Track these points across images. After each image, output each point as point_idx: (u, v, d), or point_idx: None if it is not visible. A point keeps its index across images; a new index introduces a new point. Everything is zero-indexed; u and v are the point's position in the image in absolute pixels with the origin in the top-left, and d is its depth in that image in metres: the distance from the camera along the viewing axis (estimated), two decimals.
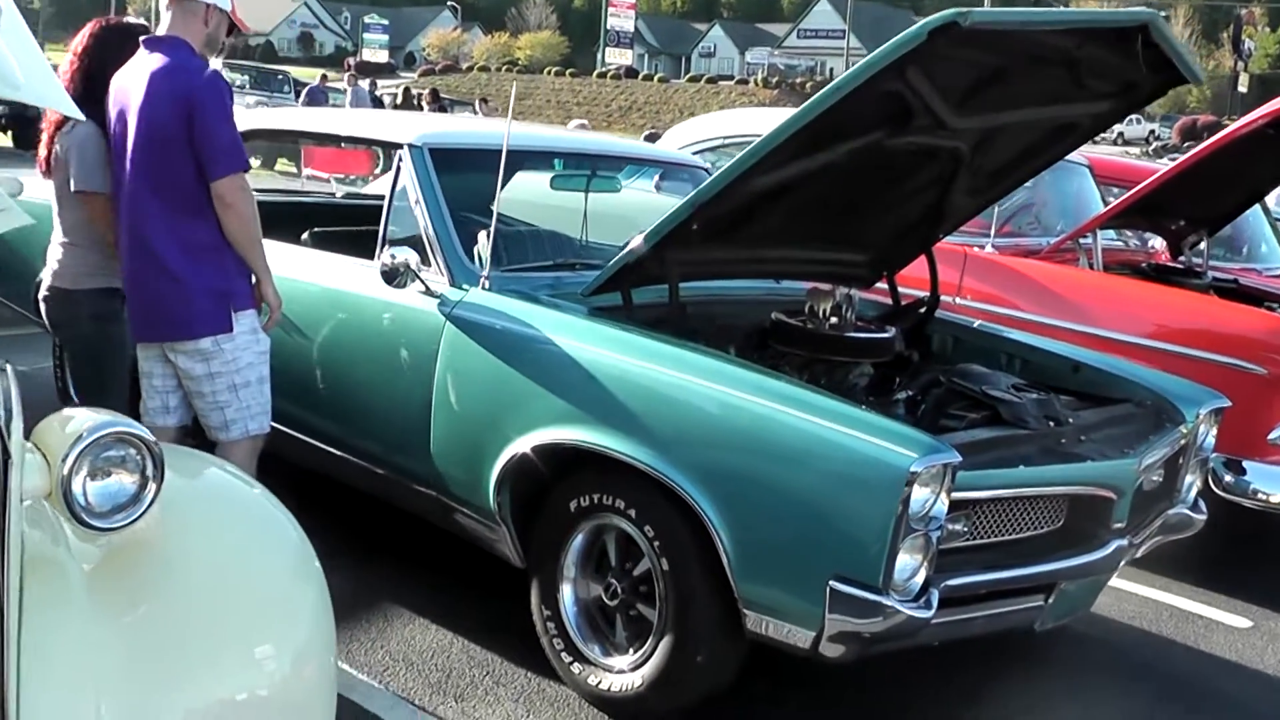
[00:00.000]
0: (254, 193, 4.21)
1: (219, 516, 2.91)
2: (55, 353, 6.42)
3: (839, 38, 79.76)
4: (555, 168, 5.42)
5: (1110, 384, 4.72)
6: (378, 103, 27.16)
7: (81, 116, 3.98)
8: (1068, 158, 6.32)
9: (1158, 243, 7.90)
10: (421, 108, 27.05)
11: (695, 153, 7.28)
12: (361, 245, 4.84)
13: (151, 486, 2.55)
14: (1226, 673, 4.89)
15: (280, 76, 31.68)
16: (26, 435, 2.48)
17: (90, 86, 4.33)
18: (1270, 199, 8.51)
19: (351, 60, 49.98)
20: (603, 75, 71.03)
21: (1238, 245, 8.63)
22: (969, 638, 3.94)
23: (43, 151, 4.55)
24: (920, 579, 3.42)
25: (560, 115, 49.59)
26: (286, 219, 5.70)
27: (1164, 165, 7.50)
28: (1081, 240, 6.83)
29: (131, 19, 5.02)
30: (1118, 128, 57.24)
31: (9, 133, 20.74)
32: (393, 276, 4.33)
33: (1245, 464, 5.67)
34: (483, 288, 4.34)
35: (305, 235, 5.33)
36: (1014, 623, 3.95)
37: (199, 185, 4.01)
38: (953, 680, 4.44)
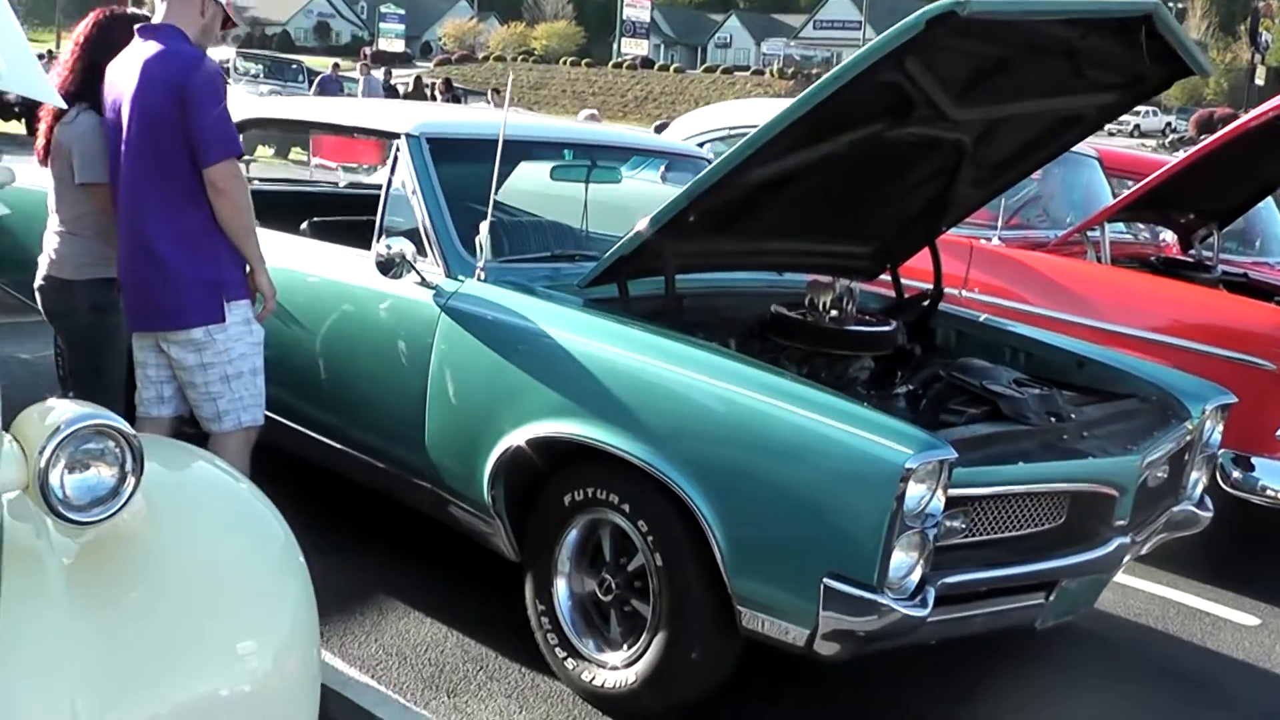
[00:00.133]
0: (257, 182, 4.18)
1: (203, 510, 2.88)
2: (57, 341, 6.40)
3: (855, 29, 79.64)
4: (555, 158, 5.37)
5: (1115, 379, 4.66)
6: (391, 92, 27.17)
7: (63, 104, 3.94)
8: (1077, 150, 6.27)
9: (1168, 236, 7.82)
10: (435, 97, 27.07)
11: (701, 143, 7.25)
12: (360, 235, 4.81)
13: (130, 480, 2.51)
14: (1234, 671, 4.84)
15: (294, 66, 31.72)
16: (6, 426, 2.46)
17: (92, 77, 4.30)
18: None
19: (367, 50, 50.01)
20: (618, 66, 70.99)
21: (1250, 239, 8.55)
22: (968, 636, 3.89)
23: (41, 140, 4.53)
24: (916, 577, 3.37)
25: (575, 105, 49.45)
26: (288, 208, 5.68)
27: (1176, 158, 7.41)
28: (1089, 233, 6.76)
29: (135, 9, 4.99)
30: (1133, 120, 57.11)
31: (23, 120, 20.79)
32: (388, 267, 4.30)
33: (1254, 460, 5.61)
34: (478, 279, 4.30)
35: (304, 225, 5.30)
36: (1014, 621, 3.89)
37: (193, 172, 3.98)
38: (952, 679, 4.39)
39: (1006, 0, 3.57)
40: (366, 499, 5.08)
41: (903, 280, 5.15)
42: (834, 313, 4.47)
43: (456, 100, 26.85)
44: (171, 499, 2.80)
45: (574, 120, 12.95)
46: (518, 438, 3.97)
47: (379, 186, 5.13)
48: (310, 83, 28.05)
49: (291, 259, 4.85)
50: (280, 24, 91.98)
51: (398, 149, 4.69)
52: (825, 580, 3.32)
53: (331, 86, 24.10)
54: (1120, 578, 5.02)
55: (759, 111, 7.67)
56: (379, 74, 27.51)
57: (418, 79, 31.77)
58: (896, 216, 4.89)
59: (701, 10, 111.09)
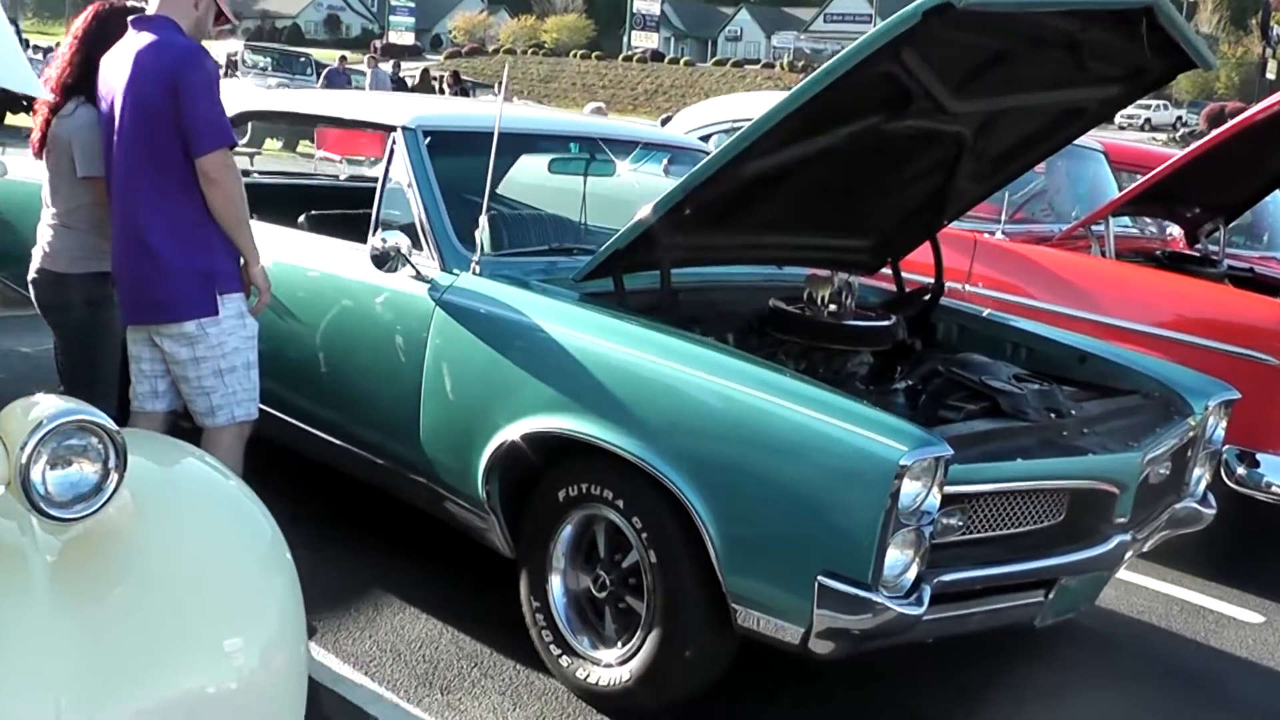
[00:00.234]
0: (256, 175, 4.15)
1: (190, 507, 2.86)
2: None
3: (865, 22, 79.41)
4: (552, 151, 5.34)
5: (1117, 375, 4.62)
6: (400, 85, 27.09)
7: (48, 95, 3.91)
8: (1082, 143, 6.23)
9: (1175, 230, 7.76)
10: (443, 91, 27.02)
11: (704, 136, 7.22)
12: (357, 229, 4.78)
13: (114, 477, 2.49)
14: (1238, 669, 4.80)
15: (303, 59, 31.68)
16: None
17: (91, 69, 4.27)
18: None
19: (377, 43, 50.00)
20: (628, 59, 70.98)
21: (1257, 233, 8.49)
22: (966, 634, 3.85)
23: (36, 133, 4.50)
24: (911, 575, 3.34)
25: (585, 99, 49.49)
26: (288, 201, 5.66)
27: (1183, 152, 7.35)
28: (1094, 227, 6.72)
29: (135, 1, 4.96)
30: (1144, 114, 56.94)
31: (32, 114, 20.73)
32: (383, 260, 4.27)
33: (1259, 456, 5.56)
34: (473, 272, 4.27)
35: (302, 218, 5.28)
36: (1012, 619, 3.85)
37: (186, 163, 3.95)
38: (951, 677, 4.36)
39: None
40: (363, 494, 5.05)
41: (905, 275, 5.11)
42: (832, 307, 4.43)
43: (465, 93, 26.80)
44: (158, 495, 2.78)
45: (578, 113, 12.90)
46: (512, 432, 3.94)
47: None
48: (318, 76, 28.03)
49: (288, 252, 4.82)
50: (290, 17, 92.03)
51: (394, 142, 4.66)
52: (819, 578, 3.29)
53: (338, 79, 24.01)
54: (1123, 575, 4.99)
55: (763, 104, 7.62)
56: (387, 67, 27.47)
57: (425, 72, 31.69)
58: (896, 210, 4.84)
59: (712, 3, 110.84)
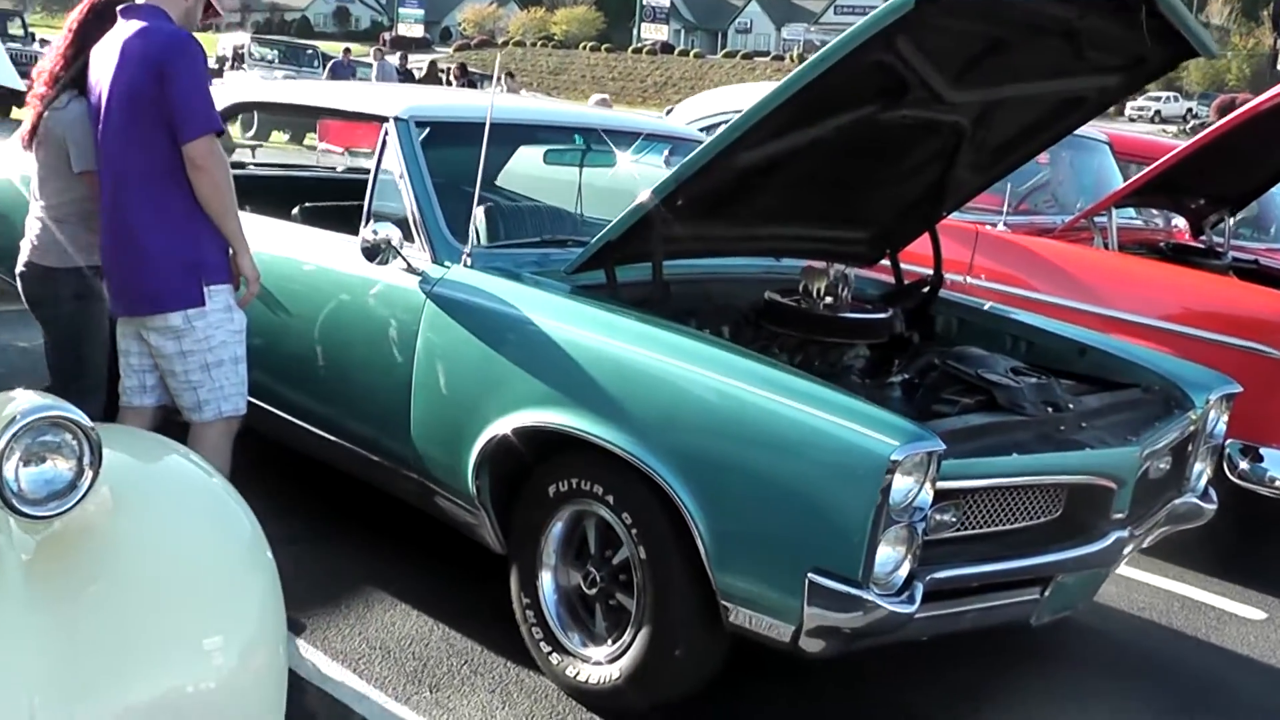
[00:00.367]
0: (252, 167, 4.11)
1: (170, 504, 2.83)
2: None
3: None
4: (546, 142, 5.29)
5: (1117, 368, 4.56)
6: (407, 77, 27.07)
7: (21, 86, 3.86)
8: (1086, 134, 6.16)
9: (1180, 222, 7.70)
10: (450, 83, 26.98)
11: (705, 127, 7.15)
12: (350, 221, 4.72)
13: (88, 474, 2.47)
14: (1239, 666, 4.75)
15: (309, 51, 31.70)
16: None
17: (86, 63, 4.23)
18: None
19: (386, 35, 49.97)
20: (638, 51, 70.93)
21: (1263, 224, 8.42)
22: (960, 632, 3.80)
23: (27, 125, 4.46)
24: (903, 572, 3.29)
25: (594, 91, 49.15)
26: (285, 193, 5.63)
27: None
28: (1096, 219, 6.65)
29: None
30: (1155, 106, 56.72)
31: None
32: (374, 253, 4.22)
33: (1262, 450, 5.50)
34: (465, 265, 4.22)
35: (295, 210, 5.24)
36: (1008, 617, 3.80)
37: (174, 150, 3.90)
38: (948, 675, 4.31)
39: None
40: (352, 489, 5.00)
41: (907, 267, 5.05)
42: (829, 299, 4.38)
43: (472, 85, 26.74)
44: (138, 492, 2.76)
45: (580, 105, 12.85)
46: (503, 427, 3.90)
47: None
48: (325, 68, 28.04)
49: (280, 244, 4.78)
50: (299, 9, 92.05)
51: (385, 132, 4.61)
52: (810, 575, 3.24)
53: (343, 71, 24.01)
54: (1123, 571, 4.94)
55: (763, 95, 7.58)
56: (393, 59, 27.41)
57: (432, 64, 31.64)
58: (895, 201, 4.79)
59: None
